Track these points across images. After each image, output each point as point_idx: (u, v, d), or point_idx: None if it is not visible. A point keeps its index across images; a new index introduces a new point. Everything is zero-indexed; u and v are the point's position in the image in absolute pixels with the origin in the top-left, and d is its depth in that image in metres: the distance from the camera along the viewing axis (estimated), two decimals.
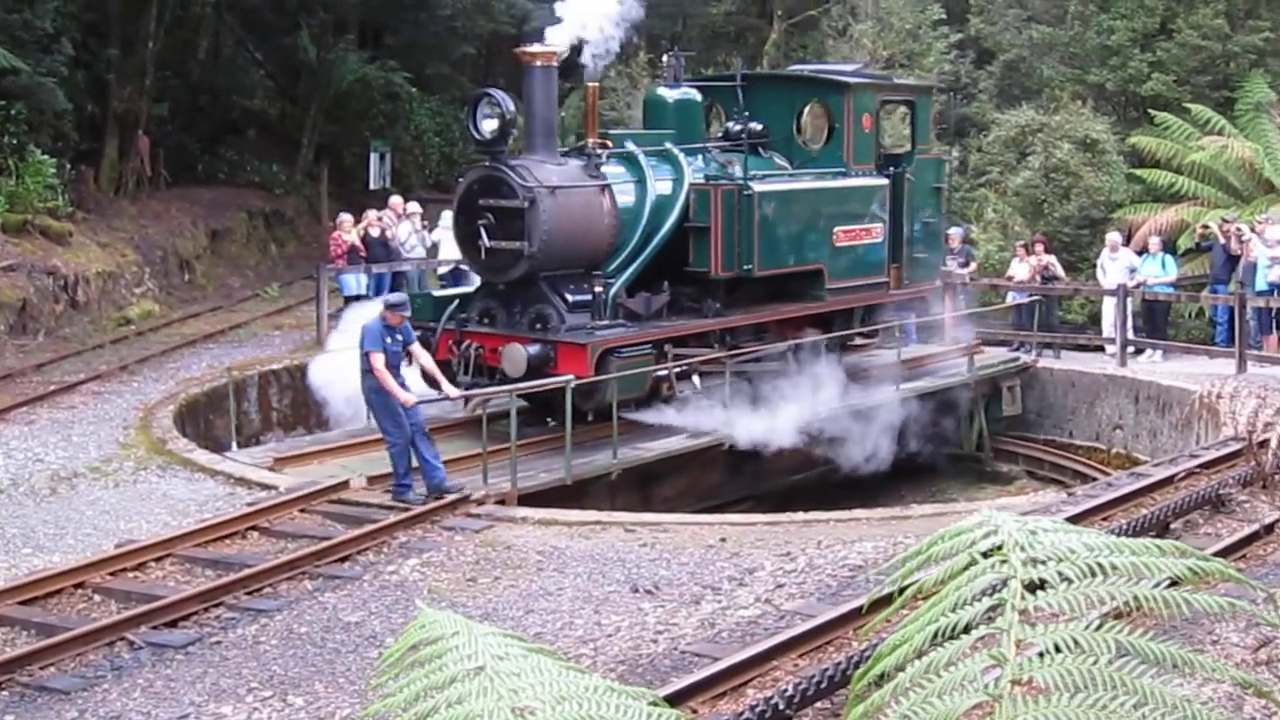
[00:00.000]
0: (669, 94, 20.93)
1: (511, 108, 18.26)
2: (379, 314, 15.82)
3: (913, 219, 22.84)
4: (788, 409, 19.95)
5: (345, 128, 40.00)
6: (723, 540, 14.17)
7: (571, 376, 17.20)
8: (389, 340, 15.51)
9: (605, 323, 18.65)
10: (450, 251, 26.49)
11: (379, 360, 15.32)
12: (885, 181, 22.33)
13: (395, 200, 28.48)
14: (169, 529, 14.71)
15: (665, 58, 21.13)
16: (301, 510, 15.38)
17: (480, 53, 47.79)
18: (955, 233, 28.15)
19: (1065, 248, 30.12)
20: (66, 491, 16.72)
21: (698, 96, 21.12)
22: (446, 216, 27.21)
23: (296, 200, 37.10)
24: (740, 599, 12.20)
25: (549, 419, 18.41)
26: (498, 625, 3.55)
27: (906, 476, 22.75)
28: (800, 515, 15.56)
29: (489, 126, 18.34)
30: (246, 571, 12.96)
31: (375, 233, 26.49)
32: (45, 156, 27.30)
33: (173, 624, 11.94)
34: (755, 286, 20.77)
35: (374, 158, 39.60)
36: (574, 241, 18.71)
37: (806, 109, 22.30)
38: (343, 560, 13.63)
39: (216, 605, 12.35)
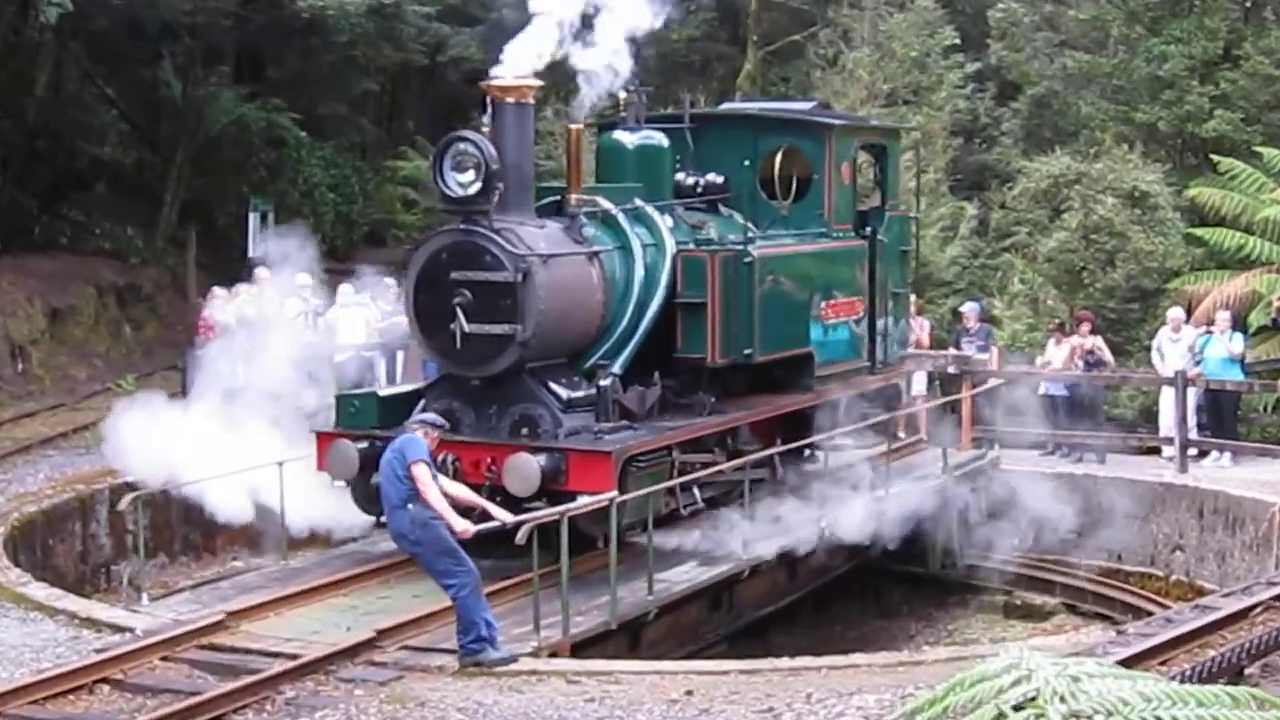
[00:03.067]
0: (629, 139, 20.60)
1: (494, 154, 17.55)
2: (417, 432, 15.03)
3: (885, 289, 22.78)
4: (801, 517, 19.80)
5: (218, 181, 39.99)
6: (689, 694, 14.07)
7: (614, 494, 16.66)
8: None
9: (610, 425, 18.15)
10: (350, 336, 26.42)
11: (425, 472, 14.54)
12: (865, 243, 22.32)
13: (261, 271, 27.65)
14: None
15: (623, 94, 20.64)
16: (163, 658, 15.26)
17: (385, 89, 47.91)
18: (970, 309, 28.18)
19: (1110, 326, 30.24)
20: None
21: (664, 142, 20.78)
22: (346, 291, 27.15)
23: (157, 271, 37.00)
24: None
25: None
26: None
27: (915, 612, 22.72)
28: (785, 662, 15.47)
29: (462, 179, 17.67)
30: None
31: (254, 311, 26.35)
32: None
33: None
34: (739, 375, 20.53)
35: (254, 218, 39.32)
36: (566, 324, 18.37)
37: (777, 156, 21.84)
38: None
39: None
